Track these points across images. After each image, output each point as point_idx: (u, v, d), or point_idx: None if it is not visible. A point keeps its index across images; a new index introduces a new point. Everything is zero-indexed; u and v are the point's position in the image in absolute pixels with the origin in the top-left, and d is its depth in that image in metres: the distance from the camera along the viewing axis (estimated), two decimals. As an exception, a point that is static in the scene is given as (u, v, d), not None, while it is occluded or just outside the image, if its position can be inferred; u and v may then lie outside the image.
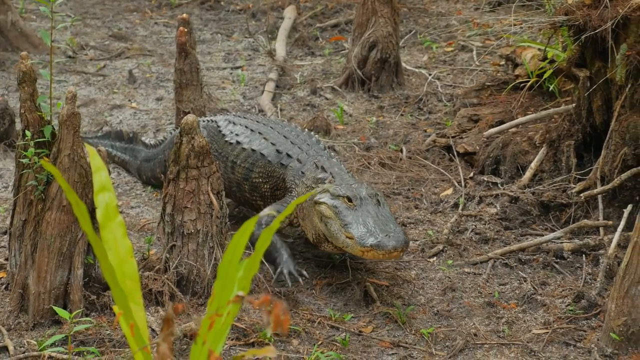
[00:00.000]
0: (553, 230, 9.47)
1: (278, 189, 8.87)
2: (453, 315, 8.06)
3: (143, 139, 11.23)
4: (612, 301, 7.47)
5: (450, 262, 8.99)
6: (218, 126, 9.49)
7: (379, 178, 10.92)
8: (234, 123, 9.40)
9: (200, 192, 7.79)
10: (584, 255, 8.95)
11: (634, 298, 7.33)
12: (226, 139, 9.25)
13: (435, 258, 9.13)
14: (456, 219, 9.81)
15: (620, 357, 7.34)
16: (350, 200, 7.89)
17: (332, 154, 9.05)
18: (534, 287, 8.47)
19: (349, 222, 7.75)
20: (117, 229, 3.76)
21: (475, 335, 7.77)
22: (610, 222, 9.08)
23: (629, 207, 8.94)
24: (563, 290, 8.43)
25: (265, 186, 8.97)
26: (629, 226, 8.73)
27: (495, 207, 10.07)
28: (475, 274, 8.83)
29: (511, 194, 10.12)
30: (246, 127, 9.27)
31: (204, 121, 9.70)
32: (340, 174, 8.44)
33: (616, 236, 8.62)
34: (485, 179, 10.77)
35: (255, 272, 3.44)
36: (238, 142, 9.15)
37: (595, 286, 8.33)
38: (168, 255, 7.91)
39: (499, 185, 10.58)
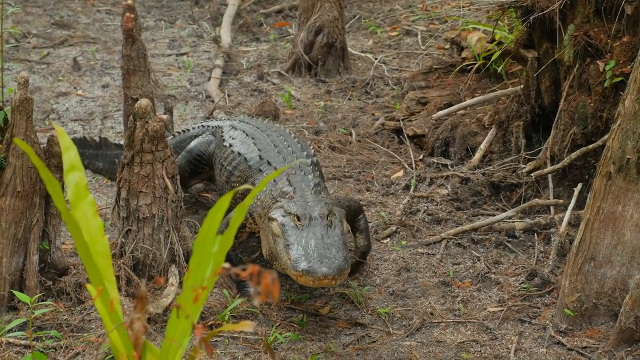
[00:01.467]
0: (504, 210, 9.57)
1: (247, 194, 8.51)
2: (409, 295, 8.12)
3: (116, 141, 10.77)
4: (565, 278, 7.58)
5: (404, 242, 9.05)
6: (222, 131, 9.30)
7: (329, 162, 10.94)
8: (235, 128, 9.21)
9: (155, 177, 7.76)
10: (535, 234, 9.06)
11: (587, 275, 7.44)
12: (224, 143, 9.05)
13: (388, 239, 9.18)
14: (408, 201, 9.87)
15: (574, 332, 7.44)
16: (299, 219, 7.40)
17: (315, 169, 8.47)
18: (487, 266, 8.56)
19: (291, 242, 7.28)
20: (88, 208, 3.74)
21: (431, 314, 7.84)
22: (561, 201, 9.19)
23: (579, 185, 9.06)
24: (516, 268, 8.52)
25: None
26: (579, 204, 8.85)
27: (446, 188, 10.15)
28: (429, 254, 8.90)
29: (461, 175, 10.21)
30: (244, 131, 9.06)
31: (211, 127, 9.59)
32: (304, 190, 7.90)
33: (567, 214, 8.73)
34: (435, 160, 10.85)
35: (229, 247, 3.45)
36: (230, 145, 8.92)
37: (548, 264, 8.44)
38: (124, 240, 7.87)
39: (449, 166, 10.66)
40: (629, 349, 7.05)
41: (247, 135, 8.96)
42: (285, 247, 7.28)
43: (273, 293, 2.63)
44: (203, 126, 9.83)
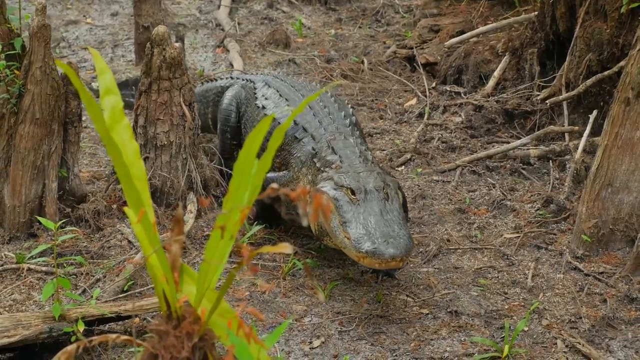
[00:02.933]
0: (518, 138, 9.58)
1: (286, 163, 7.82)
2: (425, 222, 8.15)
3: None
4: (582, 204, 7.60)
5: (419, 170, 9.07)
6: (254, 87, 8.63)
7: (342, 90, 10.93)
8: (268, 85, 8.48)
9: (173, 104, 7.75)
10: (550, 161, 9.08)
11: (605, 201, 7.46)
12: (256, 102, 8.33)
13: (403, 167, 9.20)
14: (422, 128, 9.88)
15: (591, 258, 7.48)
16: (353, 192, 6.79)
17: (355, 130, 7.84)
18: (503, 193, 8.59)
19: (348, 219, 6.66)
20: (124, 132, 3.74)
21: (448, 240, 7.88)
22: (576, 128, 9.19)
23: (594, 112, 9.04)
24: (532, 195, 8.54)
25: (276, 160, 7.85)
26: (594, 132, 8.85)
27: (460, 116, 10.15)
28: (444, 181, 8.92)
29: (475, 102, 10.20)
30: (277, 91, 8.31)
31: (243, 80, 8.96)
32: (351, 157, 7.28)
33: (582, 141, 8.73)
34: (448, 88, 10.84)
35: (268, 170, 3.46)
36: (263, 107, 8.20)
37: (563, 191, 8.46)
38: (141, 168, 7.86)
39: (462, 94, 10.65)
40: (646, 274, 7.11)
41: (280, 95, 8.26)
42: (342, 225, 6.67)
43: (325, 212, 2.65)
44: (232, 77, 9.26)
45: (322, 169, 7.27)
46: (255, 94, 8.49)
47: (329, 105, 7.98)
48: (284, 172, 7.68)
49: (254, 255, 3.06)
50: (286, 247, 3.33)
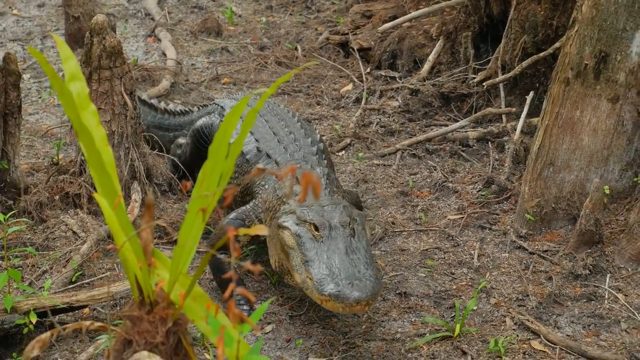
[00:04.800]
0: (455, 121, 9.67)
1: (248, 194, 7.31)
2: (369, 206, 8.19)
3: (143, 97, 9.19)
4: (525, 184, 7.71)
5: (360, 154, 9.10)
6: (223, 110, 8.20)
7: (277, 76, 10.91)
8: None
9: (114, 93, 7.66)
10: (489, 143, 9.18)
11: (547, 180, 7.57)
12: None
13: (343, 152, 9.24)
14: (360, 113, 9.91)
15: (535, 237, 7.59)
16: (317, 228, 6.26)
17: (322, 158, 7.38)
18: (444, 175, 8.67)
19: (310, 258, 6.15)
20: (91, 118, 3.70)
21: (393, 223, 7.93)
22: (513, 109, 9.31)
23: (531, 94, 9.16)
24: (473, 176, 8.64)
25: (239, 193, 7.42)
26: (531, 113, 8.97)
27: (397, 100, 10.21)
28: (385, 165, 8.97)
29: (411, 87, 10.26)
30: (241, 117, 7.55)
31: (213, 104, 8.50)
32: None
33: (520, 122, 8.85)
34: (383, 73, 10.88)
35: (239, 153, 3.46)
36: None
37: (504, 171, 8.56)
38: (83, 158, 7.78)
39: (398, 79, 10.70)
40: (589, 250, 7.22)
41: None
42: (304, 264, 6.17)
43: (316, 190, 2.65)
44: (215, 104, 8.57)
45: (283, 199, 6.77)
46: (222, 120, 7.78)
47: (295, 131, 7.58)
48: (243, 207, 7.09)
49: (233, 235, 3.06)
50: (262, 229, 3.33)
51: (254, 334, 6.37)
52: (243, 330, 3.17)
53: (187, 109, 9.05)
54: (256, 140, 7.42)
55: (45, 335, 3.52)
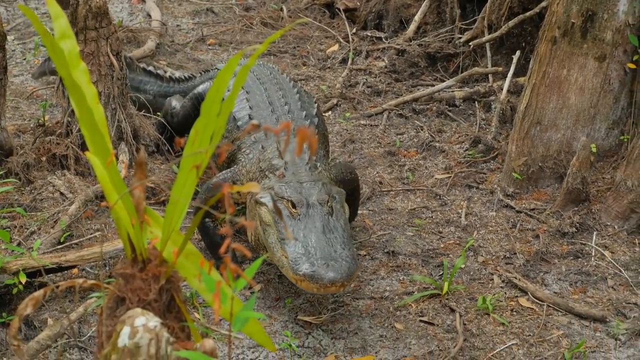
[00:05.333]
0: (442, 81, 9.68)
1: (233, 160, 7.20)
2: (356, 166, 8.20)
3: (149, 68, 9.16)
4: (512, 143, 7.73)
5: (347, 115, 9.10)
6: None
7: (263, 37, 10.88)
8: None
9: (100, 54, 7.62)
10: (475, 102, 9.21)
11: (534, 139, 7.59)
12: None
13: (330, 112, 9.23)
14: (347, 74, 9.91)
15: (522, 195, 7.62)
16: (294, 206, 6.11)
17: (315, 134, 7.05)
18: (431, 135, 8.68)
19: (286, 236, 6.03)
20: (82, 76, 3.69)
21: (380, 183, 7.95)
22: (500, 69, 9.32)
23: (517, 53, 9.17)
24: (459, 136, 8.65)
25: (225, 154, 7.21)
26: (517, 72, 8.98)
27: (384, 60, 10.20)
28: (372, 125, 8.98)
29: (397, 47, 10.26)
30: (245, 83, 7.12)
31: (215, 69, 8.61)
32: (298, 164, 6.53)
33: (507, 82, 8.86)
34: (369, 34, 10.87)
35: (231, 110, 3.45)
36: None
37: (490, 131, 8.58)
38: (69, 119, 7.76)
39: (384, 39, 10.69)
40: (576, 208, 7.25)
41: (242, 87, 7.53)
42: (280, 242, 6.03)
43: (312, 145, 2.66)
44: (216, 69, 8.62)
45: (266, 172, 6.61)
46: None
47: (292, 102, 7.39)
48: (225, 171, 7.04)
49: (228, 191, 3.06)
50: (254, 186, 3.33)
51: (243, 294, 6.40)
52: (237, 287, 3.18)
53: (190, 75, 9.08)
54: (250, 108, 7.33)
55: (39, 293, 3.52)
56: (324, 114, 9.05)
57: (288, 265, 5.83)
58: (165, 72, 9.15)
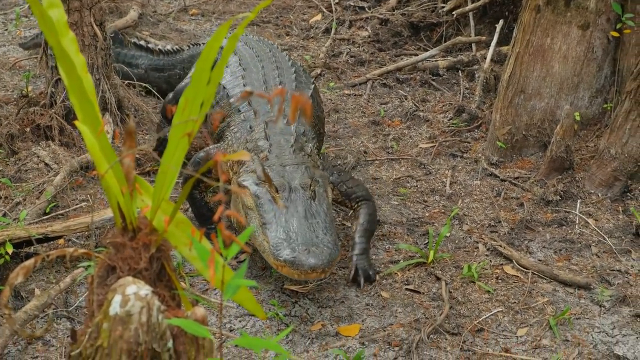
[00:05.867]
0: (425, 50, 9.68)
1: (221, 137, 7.10)
2: (340, 135, 8.22)
3: (140, 42, 9.23)
4: (496, 112, 7.75)
5: (331, 84, 9.11)
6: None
7: (245, 8, 10.86)
8: (235, 53, 7.65)
9: (84, 24, 7.59)
10: (459, 72, 9.22)
11: (517, 107, 7.62)
12: None
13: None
14: (330, 43, 9.90)
15: (506, 164, 7.66)
16: (276, 190, 6.00)
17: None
18: (415, 105, 8.69)
19: (268, 220, 5.88)
20: (71, 45, 3.67)
21: (365, 152, 7.96)
22: (483, 38, 9.33)
23: (500, 22, 9.18)
24: (443, 105, 8.67)
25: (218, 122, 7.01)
26: (500, 41, 8.99)
27: (367, 30, 10.20)
28: (355, 95, 8.99)
29: (380, 16, 10.26)
30: (239, 59, 7.57)
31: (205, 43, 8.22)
32: (283, 147, 6.42)
33: (490, 51, 8.87)
34: (352, 3, 10.87)
35: (220, 79, 3.45)
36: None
37: (474, 100, 8.60)
38: (53, 90, 7.74)
39: (367, 9, 10.69)
40: (560, 177, 7.29)
41: (240, 64, 7.50)
42: (262, 226, 5.90)
43: (306, 110, 2.66)
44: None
45: (252, 153, 6.42)
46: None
47: (287, 82, 7.25)
48: (213, 145, 6.97)
49: (222, 159, 3.07)
50: (245, 155, 3.34)
51: (230, 264, 6.40)
52: (230, 254, 3.19)
53: (178, 47, 9.08)
54: (244, 85, 7.20)
55: (30, 262, 3.52)
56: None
57: (269, 251, 5.74)
58: (156, 45, 9.13)
